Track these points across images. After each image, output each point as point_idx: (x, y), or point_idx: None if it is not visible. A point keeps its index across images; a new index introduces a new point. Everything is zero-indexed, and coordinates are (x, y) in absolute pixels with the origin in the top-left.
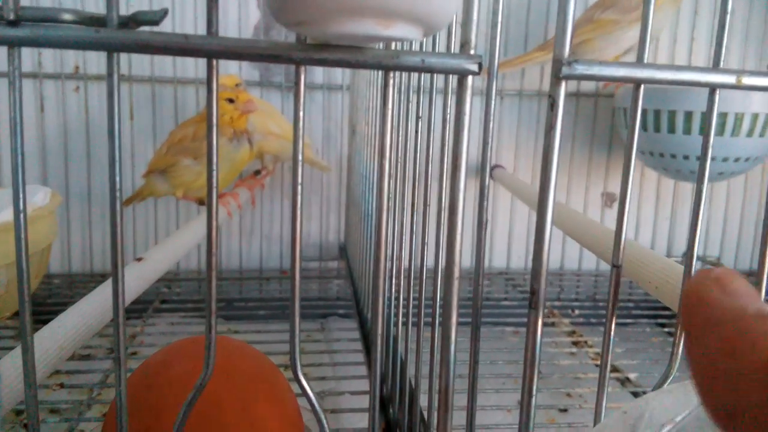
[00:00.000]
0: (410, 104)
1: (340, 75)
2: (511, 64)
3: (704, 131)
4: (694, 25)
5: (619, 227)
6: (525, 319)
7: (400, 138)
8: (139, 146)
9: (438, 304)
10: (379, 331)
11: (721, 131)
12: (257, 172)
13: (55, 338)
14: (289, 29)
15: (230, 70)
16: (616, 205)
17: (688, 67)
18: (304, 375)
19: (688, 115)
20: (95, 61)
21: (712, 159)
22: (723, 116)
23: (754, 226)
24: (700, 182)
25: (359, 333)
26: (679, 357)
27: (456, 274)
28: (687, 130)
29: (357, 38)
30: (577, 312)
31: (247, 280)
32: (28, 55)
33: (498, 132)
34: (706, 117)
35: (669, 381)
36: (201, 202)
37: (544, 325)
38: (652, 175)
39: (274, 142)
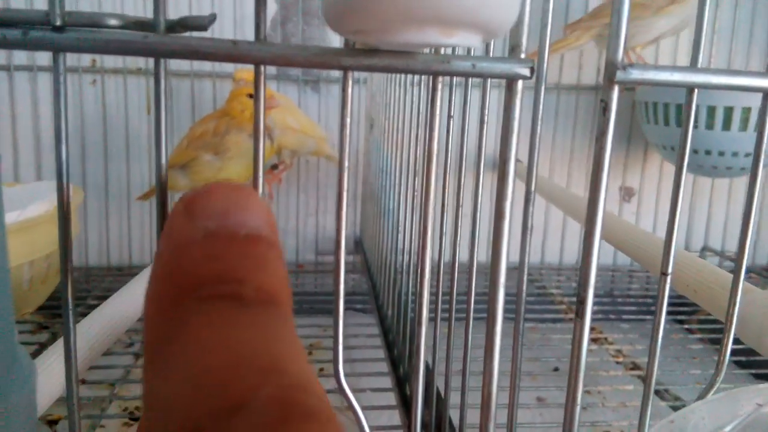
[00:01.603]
0: (442, 102)
1: None
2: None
3: (758, 134)
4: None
5: (670, 233)
6: (542, 315)
7: (422, 135)
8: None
9: (473, 299)
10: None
11: (744, 126)
12: (275, 167)
13: (87, 336)
14: (344, 36)
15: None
16: (634, 200)
17: (743, 72)
18: (321, 370)
19: (711, 110)
20: (111, 56)
21: (735, 155)
22: (747, 111)
23: None
24: (752, 186)
25: (379, 329)
26: (725, 365)
27: (502, 280)
28: (710, 126)
29: (412, 46)
30: (595, 308)
31: None
32: None
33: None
34: (759, 121)
35: (715, 389)
36: None
37: (562, 321)
38: (671, 169)
39: (292, 136)
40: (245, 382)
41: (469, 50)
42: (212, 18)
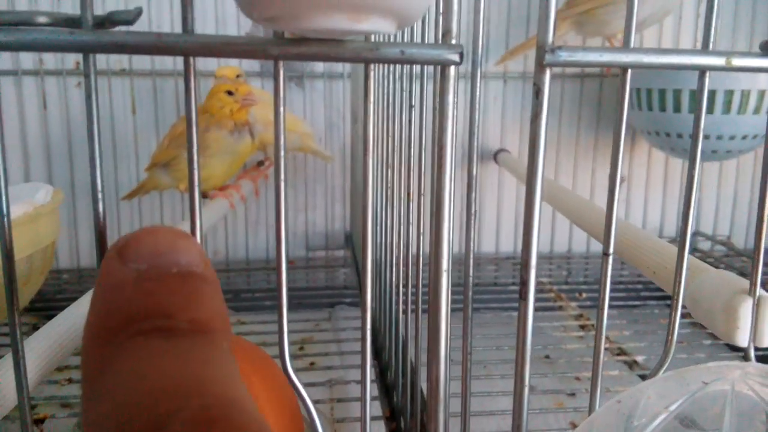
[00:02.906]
0: (403, 93)
1: (340, 63)
2: (513, 55)
3: (695, 114)
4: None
5: (609, 214)
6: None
7: (396, 127)
8: (142, 140)
9: (421, 290)
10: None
11: (727, 109)
12: (260, 163)
13: (53, 337)
14: (262, 25)
15: (231, 61)
16: (623, 186)
17: (676, 50)
18: (312, 364)
19: (693, 94)
20: (96, 57)
21: (720, 138)
22: (729, 94)
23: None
24: (691, 167)
25: None
26: (674, 344)
27: (444, 266)
28: (693, 109)
29: (332, 32)
30: (584, 295)
31: (254, 270)
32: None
33: (502, 115)
34: (697, 100)
35: (665, 368)
36: (205, 195)
37: (551, 309)
38: (659, 155)
39: None
40: (166, 405)
41: (403, 37)
42: (138, 12)
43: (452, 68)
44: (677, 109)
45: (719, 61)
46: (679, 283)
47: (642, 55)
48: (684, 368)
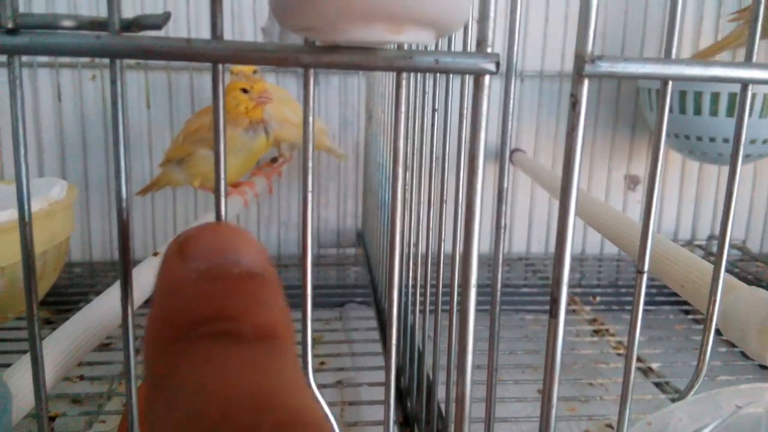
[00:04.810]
0: (426, 96)
1: None
2: (705, 54)
3: (736, 127)
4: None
5: (645, 230)
6: (546, 307)
7: (416, 129)
8: (156, 135)
9: (456, 291)
10: (395, 322)
11: (749, 113)
12: (274, 160)
13: (69, 338)
14: (296, 34)
15: None
16: (639, 188)
17: (720, 63)
18: (322, 364)
19: (715, 97)
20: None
21: None
22: (751, 97)
23: None
24: (731, 182)
25: (377, 322)
26: (706, 364)
27: (473, 280)
28: (714, 112)
29: (367, 42)
30: (598, 299)
31: None
32: None
33: (518, 114)
34: (737, 114)
35: (695, 389)
36: None
37: (565, 312)
38: (676, 157)
39: (291, 129)
40: (241, 421)
41: (437, 45)
42: (167, 16)
43: (487, 77)
44: (697, 111)
45: (763, 74)
46: (714, 302)
47: (684, 67)
48: (716, 390)
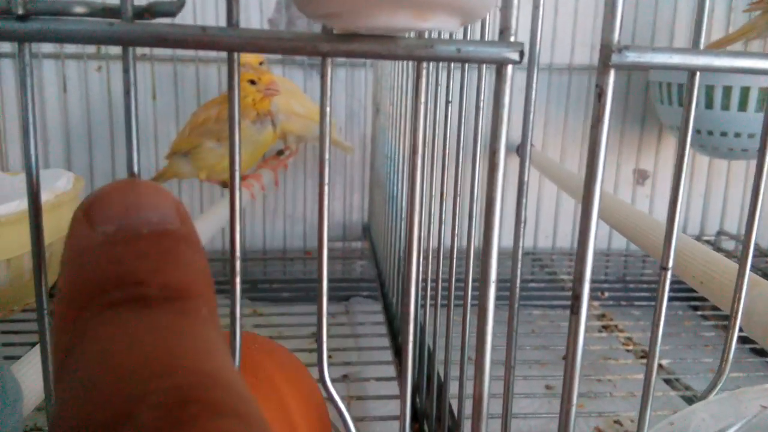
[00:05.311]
0: (439, 87)
1: None
2: (718, 44)
3: (764, 123)
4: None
5: (670, 227)
6: (552, 302)
7: (428, 121)
8: (162, 126)
9: (470, 286)
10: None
11: (760, 107)
12: (280, 152)
13: None
14: (315, 21)
15: None
16: (648, 183)
17: (748, 54)
18: (329, 358)
19: (727, 91)
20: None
21: (751, 136)
22: (764, 91)
23: None
24: (758, 178)
25: (384, 316)
26: (729, 364)
27: (493, 276)
28: (725, 106)
29: (389, 30)
30: (606, 294)
31: (271, 260)
32: None
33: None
34: (766, 108)
35: (718, 389)
36: (224, 185)
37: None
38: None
39: (298, 122)
40: (133, 389)
41: (450, 34)
42: (181, 3)
43: (509, 67)
44: (709, 105)
45: None
46: (739, 299)
47: (713, 58)
48: (739, 390)
